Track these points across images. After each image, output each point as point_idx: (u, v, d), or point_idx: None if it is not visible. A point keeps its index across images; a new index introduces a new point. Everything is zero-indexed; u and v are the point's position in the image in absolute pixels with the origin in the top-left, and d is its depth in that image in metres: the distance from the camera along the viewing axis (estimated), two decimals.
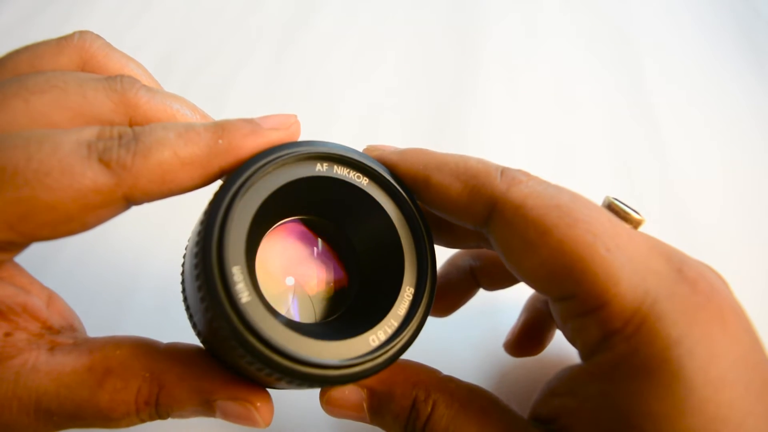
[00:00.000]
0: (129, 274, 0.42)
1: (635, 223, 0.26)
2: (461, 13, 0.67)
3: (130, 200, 0.22)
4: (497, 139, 0.54)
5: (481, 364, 0.39)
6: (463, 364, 0.39)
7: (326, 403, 0.25)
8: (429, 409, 0.24)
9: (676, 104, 0.59)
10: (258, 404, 0.24)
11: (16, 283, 0.25)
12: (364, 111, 0.56)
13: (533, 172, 0.25)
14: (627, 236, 0.22)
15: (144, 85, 0.26)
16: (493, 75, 0.60)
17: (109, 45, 0.28)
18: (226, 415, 0.24)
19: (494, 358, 0.39)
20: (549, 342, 0.36)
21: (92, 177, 0.21)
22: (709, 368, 0.20)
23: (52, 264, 0.42)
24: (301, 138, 0.26)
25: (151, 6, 0.64)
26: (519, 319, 0.36)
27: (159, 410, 0.23)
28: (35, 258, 0.30)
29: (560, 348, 0.36)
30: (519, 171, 0.25)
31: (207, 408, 0.24)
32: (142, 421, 0.24)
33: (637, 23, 0.68)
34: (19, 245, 0.23)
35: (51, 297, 0.27)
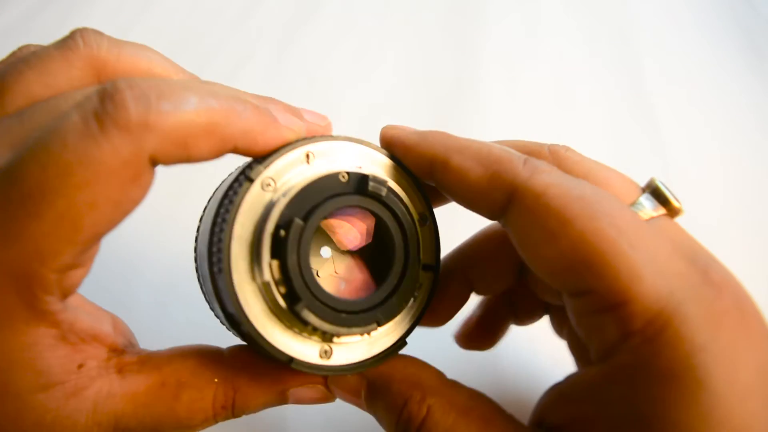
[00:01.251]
0: (129, 273, 0.42)
1: (674, 212, 0.25)
2: (462, 13, 0.67)
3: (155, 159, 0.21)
4: (498, 139, 0.54)
5: (478, 369, 0.38)
6: (459, 365, 0.39)
7: (331, 382, 0.26)
8: (423, 412, 0.24)
9: (676, 104, 0.59)
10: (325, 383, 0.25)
11: (87, 310, 0.25)
12: (364, 111, 0.56)
13: None
14: (651, 234, 0.22)
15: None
16: (494, 75, 0.60)
17: (114, 42, 0.26)
18: (300, 400, 0.25)
19: (493, 357, 0.39)
20: (501, 338, 0.35)
21: (110, 151, 0.19)
22: (734, 377, 0.19)
23: None
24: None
25: (151, 6, 0.64)
26: (473, 312, 0.35)
27: (235, 411, 0.24)
28: None
29: (558, 351, 0.36)
30: (542, 161, 0.24)
31: (281, 399, 0.25)
32: (218, 422, 0.25)
33: (637, 23, 0.68)
34: (88, 250, 0.21)
35: (114, 319, 0.26)
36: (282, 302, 0.23)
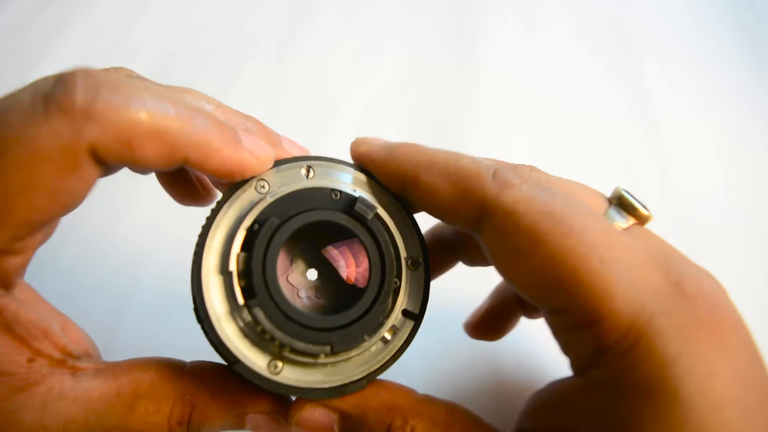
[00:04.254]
0: (129, 274, 0.42)
1: (643, 219, 0.24)
2: (461, 14, 0.67)
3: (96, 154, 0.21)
4: (498, 140, 0.54)
5: (461, 372, 0.38)
6: (443, 372, 0.39)
7: (295, 424, 0.24)
8: None
9: (676, 104, 0.59)
10: (287, 415, 0.24)
11: (39, 308, 0.24)
12: (364, 111, 0.56)
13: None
14: (623, 246, 0.21)
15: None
16: (494, 76, 0.60)
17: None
18: (257, 428, 0.24)
19: (475, 365, 0.39)
20: (509, 331, 0.35)
21: (48, 133, 0.19)
22: (708, 388, 0.19)
23: (52, 265, 0.42)
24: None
25: (151, 6, 0.64)
26: (484, 303, 0.35)
27: (191, 428, 0.23)
28: (34, 258, 0.30)
29: (547, 358, 0.36)
30: (512, 173, 0.23)
31: (239, 423, 0.24)
32: None
33: (638, 23, 0.68)
34: (22, 240, 0.21)
35: (66, 323, 0.26)
36: (240, 297, 0.22)
